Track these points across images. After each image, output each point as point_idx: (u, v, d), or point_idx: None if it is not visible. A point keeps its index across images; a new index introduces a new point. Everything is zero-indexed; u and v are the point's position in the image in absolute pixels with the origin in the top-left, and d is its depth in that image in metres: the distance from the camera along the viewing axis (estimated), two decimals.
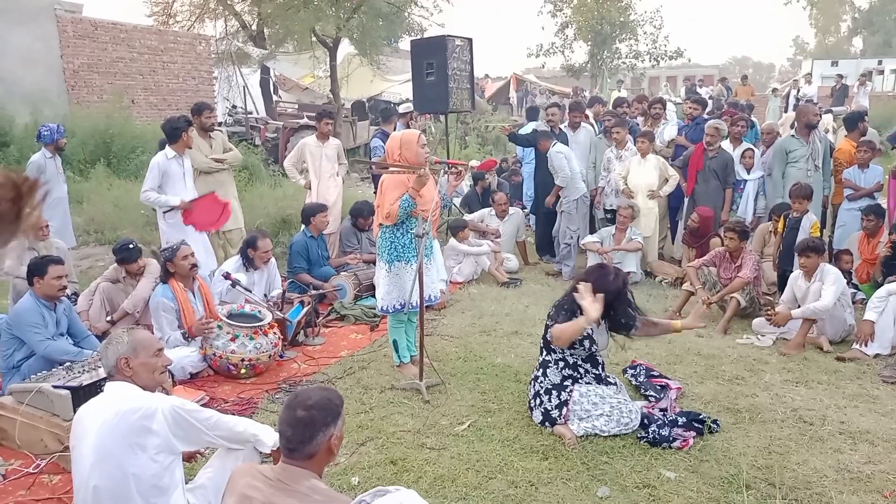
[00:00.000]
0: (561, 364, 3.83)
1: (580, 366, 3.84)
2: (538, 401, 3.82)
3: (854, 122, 7.41)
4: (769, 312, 5.28)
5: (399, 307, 4.49)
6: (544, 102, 17.11)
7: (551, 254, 8.08)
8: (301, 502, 2.00)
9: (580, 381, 3.82)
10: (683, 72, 34.85)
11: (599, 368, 3.90)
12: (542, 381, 3.84)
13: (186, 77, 15.59)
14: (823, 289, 5.06)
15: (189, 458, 3.01)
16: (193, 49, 15.89)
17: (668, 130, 8.12)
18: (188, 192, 5.89)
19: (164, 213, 5.81)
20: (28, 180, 0.88)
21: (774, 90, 18.60)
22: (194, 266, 4.89)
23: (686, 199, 7.30)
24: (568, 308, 3.77)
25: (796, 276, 5.32)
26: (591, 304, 3.54)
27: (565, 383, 3.79)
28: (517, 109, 25.48)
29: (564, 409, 3.74)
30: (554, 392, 3.78)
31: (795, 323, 5.23)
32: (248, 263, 5.57)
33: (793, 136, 6.92)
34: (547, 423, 3.78)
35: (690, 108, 8.23)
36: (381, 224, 4.48)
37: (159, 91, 14.93)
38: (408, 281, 4.37)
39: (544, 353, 3.89)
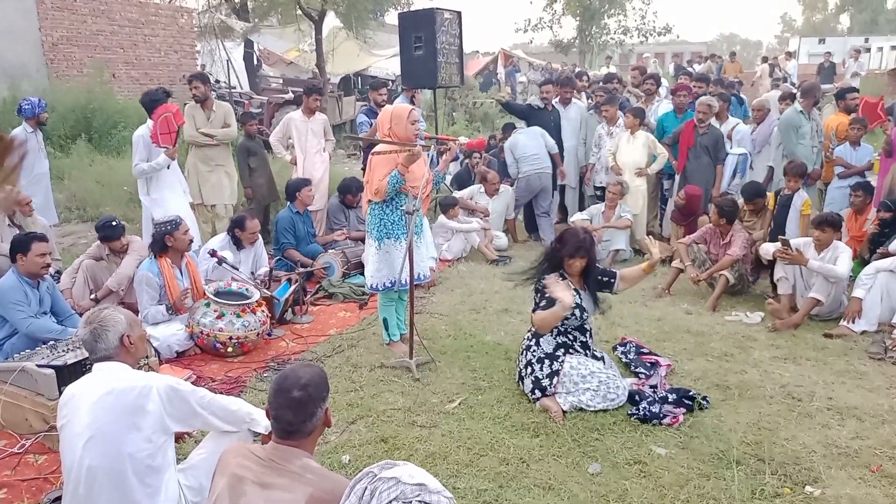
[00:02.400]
0: (554, 332, 3.86)
1: (570, 332, 3.91)
2: (529, 370, 3.85)
3: (840, 96, 7.43)
4: (786, 251, 5.13)
5: (389, 285, 4.44)
6: (538, 78, 16.97)
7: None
8: (293, 481, 1.97)
9: (571, 349, 3.87)
10: (671, 48, 34.73)
11: (587, 336, 3.97)
12: (534, 350, 3.87)
13: (168, 51, 15.28)
14: (839, 261, 5.02)
15: (178, 438, 2.98)
16: (175, 22, 15.57)
17: (663, 107, 8.06)
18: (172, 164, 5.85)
19: (149, 185, 5.75)
20: (4, 139, 0.83)
21: (775, 67, 18.62)
22: (191, 242, 4.85)
23: (677, 177, 7.27)
24: (542, 292, 3.80)
25: (807, 242, 5.25)
26: (563, 293, 3.60)
27: (557, 353, 3.83)
28: (504, 85, 25.26)
29: (555, 379, 3.76)
30: (546, 361, 3.81)
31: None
32: (236, 244, 5.54)
33: (800, 111, 6.90)
34: (537, 391, 3.80)
35: (682, 82, 8.20)
36: (370, 201, 4.41)
37: (141, 65, 14.63)
38: (397, 259, 4.33)
39: None
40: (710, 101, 7.02)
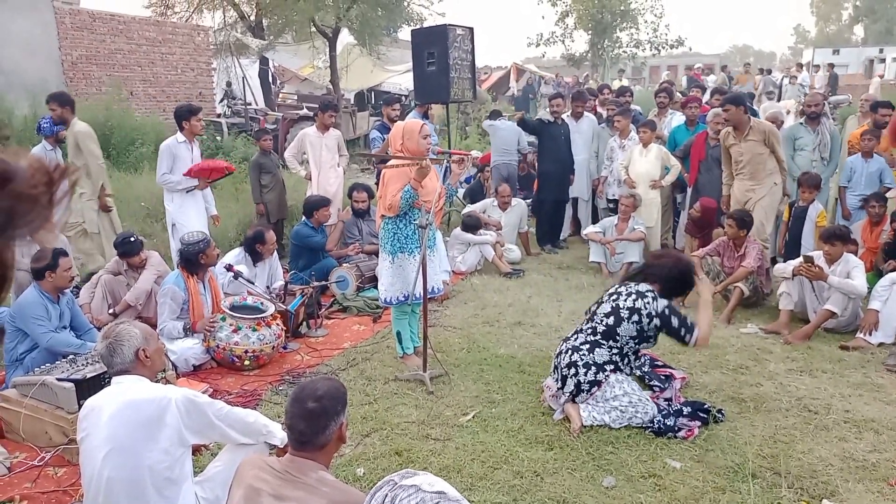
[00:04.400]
0: (615, 350, 3.80)
1: (627, 356, 3.84)
2: (573, 370, 3.78)
3: (874, 109, 7.16)
4: (809, 265, 5.07)
5: (402, 299, 4.47)
6: (550, 92, 17.03)
7: (553, 244, 8.08)
8: (309, 494, 1.99)
9: (619, 368, 3.81)
10: (684, 61, 34.64)
11: (634, 362, 3.94)
12: (583, 354, 3.79)
13: (185, 69, 15.50)
14: (854, 274, 4.99)
15: (195, 450, 3.01)
16: (192, 40, 15.80)
17: (676, 120, 8.06)
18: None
19: (178, 191, 5.84)
20: (60, 166, 0.89)
21: (794, 78, 18.60)
22: (217, 256, 4.94)
23: (689, 189, 7.27)
24: (674, 327, 3.76)
25: (818, 255, 5.22)
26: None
27: (606, 366, 3.77)
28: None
29: (595, 389, 3.73)
30: (593, 368, 3.76)
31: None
32: (256, 258, 5.62)
33: (801, 123, 6.89)
34: (574, 394, 3.77)
35: (693, 94, 8.21)
36: (383, 216, 4.45)
37: (158, 83, 14.85)
38: (411, 272, 4.36)
39: (600, 336, 3.81)
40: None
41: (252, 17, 19.06)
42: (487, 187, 8.81)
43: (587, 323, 3.97)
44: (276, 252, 5.94)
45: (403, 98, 16.30)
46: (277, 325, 4.84)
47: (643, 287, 3.83)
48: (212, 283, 4.96)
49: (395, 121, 7.20)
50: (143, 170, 10.07)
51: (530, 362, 4.59)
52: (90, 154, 6.19)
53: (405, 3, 17.97)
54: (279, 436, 2.65)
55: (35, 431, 3.57)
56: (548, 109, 8.06)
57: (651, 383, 4.24)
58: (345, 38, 17.61)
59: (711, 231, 6.70)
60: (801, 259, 5.20)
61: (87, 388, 3.42)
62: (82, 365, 3.71)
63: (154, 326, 4.51)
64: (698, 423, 3.66)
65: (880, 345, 4.86)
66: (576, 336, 3.95)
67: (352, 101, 16.59)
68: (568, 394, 3.79)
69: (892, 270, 5.21)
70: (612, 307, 3.84)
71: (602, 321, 3.85)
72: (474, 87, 8.35)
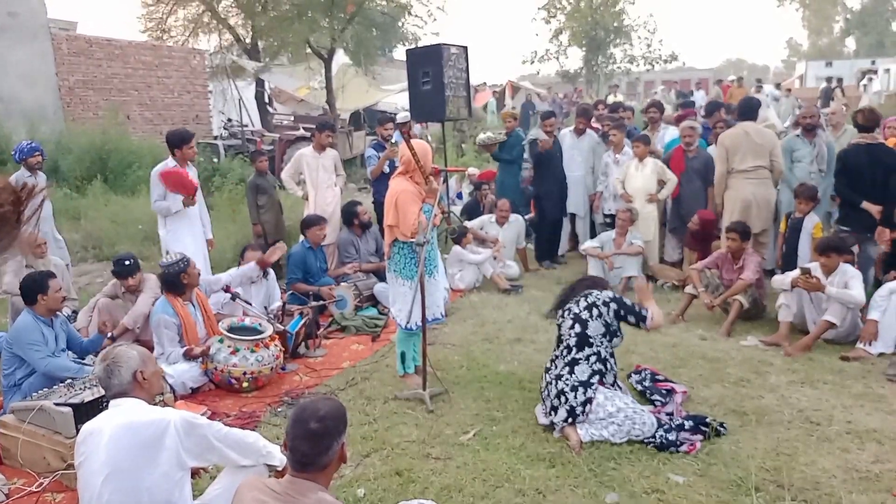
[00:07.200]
0: (593, 359, 3.83)
1: (608, 360, 3.88)
2: (563, 399, 3.78)
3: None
4: (807, 277, 5.07)
5: (430, 319, 4.44)
6: (544, 108, 17.12)
7: (551, 260, 8.08)
8: None
9: (604, 378, 3.82)
10: (678, 75, 34.92)
11: (616, 365, 3.98)
12: (567, 380, 3.80)
13: (182, 92, 15.61)
14: (851, 285, 5.00)
15: (194, 473, 2.99)
16: (188, 63, 15.93)
17: (669, 134, 8.10)
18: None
19: (166, 218, 5.79)
20: (26, 186, 0.89)
21: (788, 90, 18.74)
22: (199, 274, 4.92)
23: (671, 202, 7.29)
24: (629, 306, 3.94)
25: (815, 267, 5.20)
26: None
27: (591, 380, 3.78)
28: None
29: (588, 407, 3.72)
30: (580, 388, 3.75)
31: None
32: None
33: (797, 135, 6.93)
34: (569, 420, 3.75)
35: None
36: (395, 241, 4.39)
37: (155, 106, 14.95)
38: (432, 293, 4.37)
39: (575, 350, 3.85)
40: (692, 124, 7.11)
41: (248, 40, 19.19)
42: (485, 204, 8.83)
43: (558, 348, 4.00)
44: (273, 273, 5.93)
45: (396, 116, 16.43)
46: (276, 345, 4.82)
47: (582, 293, 4.02)
48: (201, 301, 4.94)
49: (388, 139, 7.30)
50: (140, 193, 10.10)
51: (531, 379, 4.57)
52: None
53: (399, 24, 18.17)
54: (279, 457, 2.64)
55: (33, 457, 3.54)
56: (539, 128, 8.04)
57: (652, 398, 4.22)
58: (340, 58, 17.77)
59: (710, 244, 6.71)
60: (798, 271, 5.21)
61: (86, 412, 3.39)
62: (80, 389, 3.69)
63: (152, 350, 4.49)
64: (700, 437, 3.64)
65: (881, 355, 4.86)
66: (554, 364, 3.97)
67: (347, 121, 16.67)
68: (561, 422, 3.78)
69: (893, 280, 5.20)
70: (572, 319, 3.93)
71: (571, 335, 3.90)
72: (469, 105, 8.40)
